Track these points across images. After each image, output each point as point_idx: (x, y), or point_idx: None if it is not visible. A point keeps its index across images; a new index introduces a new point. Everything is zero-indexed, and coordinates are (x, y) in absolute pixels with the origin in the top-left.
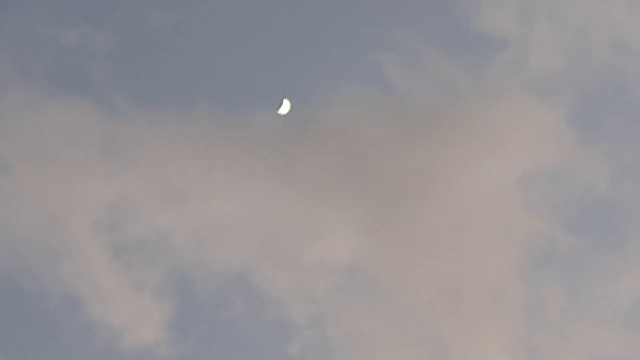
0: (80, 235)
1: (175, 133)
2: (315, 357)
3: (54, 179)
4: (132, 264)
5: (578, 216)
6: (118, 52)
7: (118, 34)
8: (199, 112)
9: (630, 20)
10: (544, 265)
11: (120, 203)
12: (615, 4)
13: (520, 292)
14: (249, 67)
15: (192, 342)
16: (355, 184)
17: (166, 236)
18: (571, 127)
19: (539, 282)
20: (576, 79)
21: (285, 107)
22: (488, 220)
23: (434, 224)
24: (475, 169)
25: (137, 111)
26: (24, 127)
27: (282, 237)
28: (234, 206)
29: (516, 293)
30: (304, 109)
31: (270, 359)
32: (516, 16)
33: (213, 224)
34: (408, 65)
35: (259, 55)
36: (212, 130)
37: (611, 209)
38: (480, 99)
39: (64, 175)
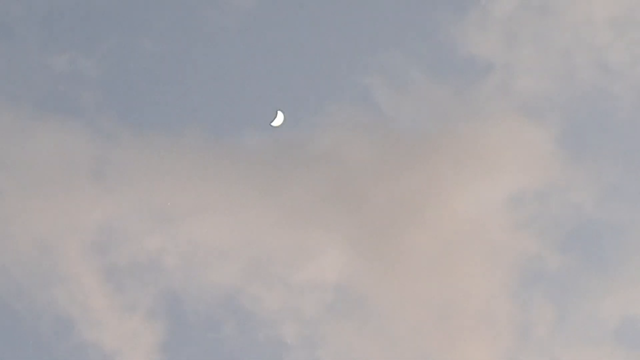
0: (72, 257)
1: (164, 156)
2: None
3: (45, 202)
4: (123, 286)
5: (566, 236)
6: (108, 78)
7: (108, 60)
8: (188, 136)
9: (614, 42)
10: (532, 285)
11: (110, 226)
12: (599, 27)
13: (508, 312)
14: (238, 91)
15: None
16: (344, 205)
17: (157, 258)
18: (558, 148)
19: (528, 301)
20: (562, 101)
21: (279, 119)
22: (477, 241)
23: (423, 244)
24: (463, 190)
25: (127, 135)
26: (15, 152)
27: (272, 258)
28: (224, 228)
29: (505, 312)
30: (293, 131)
31: None
32: (502, 40)
33: (203, 246)
34: (396, 89)
35: (248, 79)
36: (201, 153)
37: (598, 230)
38: (467, 121)
39: (55, 199)
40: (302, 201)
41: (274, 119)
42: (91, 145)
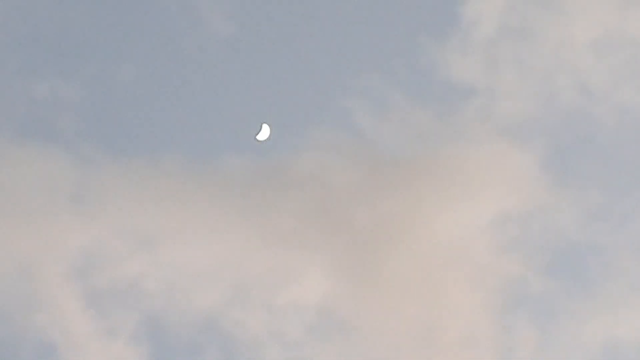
0: (53, 283)
1: (145, 180)
2: None
3: (25, 227)
4: (105, 310)
5: (549, 259)
6: (88, 104)
7: (88, 86)
8: (168, 160)
9: (596, 65)
10: (515, 307)
11: (91, 250)
12: (580, 49)
13: (492, 335)
14: (219, 115)
15: None
16: (326, 228)
17: (138, 282)
18: (541, 171)
19: (511, 324)
20: (545, 124)
21: (264, 133)
22: (460, 263)
23: (406, 266)
24: (446, 213)
25: (108, 160)
26: None
27: (254, 281)
28: (205, 251)
29: (488, 335)
30: (274, 154)
31: None
32: (483, 64)
33: (185, 270)
34: (377, 112)
35: (229, 104)
36: (182, 177)
37: (582, 252)
38: (450, 144)
39: (35, 224)
40: (284, 224)
41: (259, 132)
42: (71, 171)
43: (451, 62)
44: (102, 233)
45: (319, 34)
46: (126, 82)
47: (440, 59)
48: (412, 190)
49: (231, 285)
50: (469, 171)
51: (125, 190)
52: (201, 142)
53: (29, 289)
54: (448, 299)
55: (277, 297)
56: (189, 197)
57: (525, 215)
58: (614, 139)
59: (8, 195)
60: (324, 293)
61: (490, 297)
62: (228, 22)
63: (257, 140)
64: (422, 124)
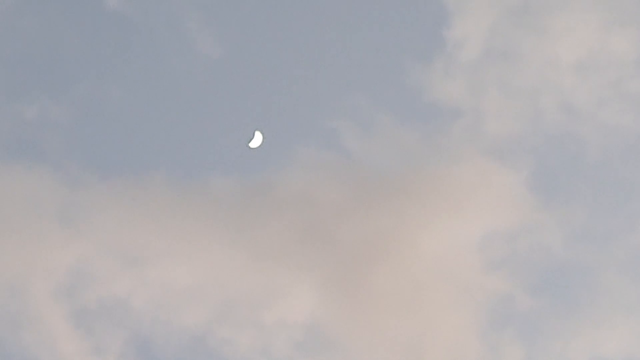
0: (41, 301)
1: (132, 200)
2: None
3: (12, 246)
4: (92, 329)
5: (535, 278)
6: (75, 124)
7: (76, 107)
8: (155, 180)
9: (580, 85)
10: (501, 325)
11: (79, 269)
12: (564, 70)
13: (478, 352)
14: (205, 135)
15: None
16: (313, 246)
17: (125, 301)
18: (527, 190)
19: (497, 342)
20: (530, 144)
21: (257, 140)
22: (446, 282)
23: (393, 284)
24: (433, 232)
25: (95, 179)
26: None
27: (242, 299)
28: (192, 270)
29: (474, 353)
30: (261, 173)
31: None
32: (468, 85)
33: (172, 288)
34: (363, 132)
35: (215, 123)
36: (168, 197)
37: (568, 271)
38: (436, 164)
39: (22, 243)
40: (270, 242)
41: (252, 139)
42: (59, 190)
43: (437, 83)
44: (89, 252)
45: (306, 55)
46: (113, 103)
47: (426, 80)
48: (398, 209)
49: (218, 303)
50: (455, 190)
51: (113, 209)
52: (188, 161)
53: (16, 307)
54: (435, 316)
55: (265, 315)
56: (176, 216)
57: (511, 234)
58: (599, 159)
59: None
60: (311, 310)
61: (477, 314)
62: (216, 44)
63: (250, 148)
64: (408, 143)
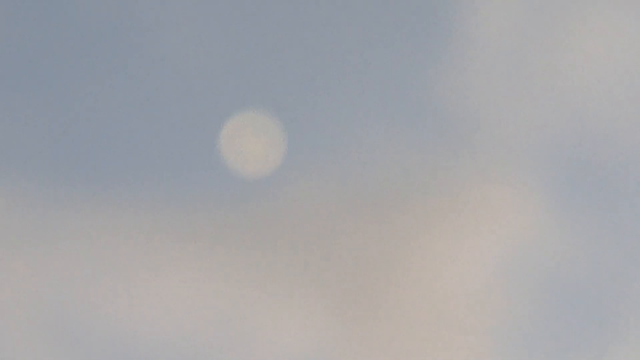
0: (26, 316)
1: (118, 216)
2: None
3: None
4: (78, 342)
5: (552, 298)
6: (62, 137)
7: (62, 119)
8: (142, 195)
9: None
10: (513, 349)
11: (64, 286)
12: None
13: None
14: (193, 150)
15: None
16: (308, 267)
17: (112, 316)
18: (542, 207)
19: None
20: (545, 157)
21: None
22: (453, 305)
23: (398, 308)
24: (437, 252)
25: (80, 194)
26: None
27: (232, 320)
28: (183, 285)
29: None
30: (252, 189)
31: None
32: (478, 99)
33: (160, 309)
34: (365, 145)
35: (203, 139)
36: (156, 214)
37: (584, 291)
38: (445, 178)
39: (5, 256)
40: (264, 258)
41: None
42: (45, 205)
43: (442, 93)
44: (72, 267)
45: (302, 63)
46: (101, 115)
47: (431, 89)
48: (403, 230)
49: (208, 320)
50: (465, 206)
51: (99, 223)
52: (176, 177)
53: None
54: (440, 342)
55: (257, 336)
56: (165, 230)
57: (526, 253)
58: (616, 177)
59: None
60: (305, 334)
61: (485, 339)
62: (206, 53)
63: (242, 162)
64: (413, 161)
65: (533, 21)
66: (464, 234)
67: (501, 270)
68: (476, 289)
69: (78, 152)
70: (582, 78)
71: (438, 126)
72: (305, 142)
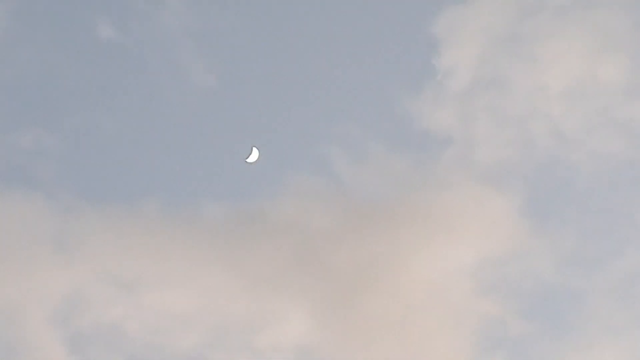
0: (36, 328)
1: (125, 227)
2: None
3: (7, 273)
4: (87, 354)
5: (526, 302)
6: (70, 153)
7: (70, 136)
8: (148, 206)
9: (569, 112)
10: (493, 348)
11: (74, 295)
12: (553, 97)
13: None
14: (197, 162)
15: None
16: (305, 272)
17: (120, 326)
18: (518, 216)
19: None
20: (521, 170)
21: (254, 156)
22: (438, 306)
23: (384, 309)
24: (424, 257)
25: (89, 207)
26: None
27: (235, 324)
28: (186, 295)
29: None
30: (253, 201)
31: None
32: (458, 113)
33: (166, 313)
34: (355, 159)
35: (207, 151)
36: (162, 223)
37: (557, 295)
38: (427, 190)
39: (17, 270)
40: (263, 268)
41: (249, 155)
42: (53, 218)
43: (427, 111)
44: (84, 278)
45: (297, 84)
46: (107, 131)
47: (417, 108)
48: (389, 235)
49: (212, 328)
50: (446, 217)
51: (107, 236)
52: (181, 189)
53: (13, 333)
54: (426, 340)
55: (257, 340)
56: (169, 242)
57: (502, 259)
58: (588, 184)
59: None
60: (303, 335)
61: (469, 338)
62: (208, 74)
63: (247, 162)
64: (399, 171)
65: (504, 46)
66: (439, 241)
67: (474, 272)
68: (451, 291)
69: (93, 167)
70: (541, 102)
71: (418, 141)
72: (297, 164)
